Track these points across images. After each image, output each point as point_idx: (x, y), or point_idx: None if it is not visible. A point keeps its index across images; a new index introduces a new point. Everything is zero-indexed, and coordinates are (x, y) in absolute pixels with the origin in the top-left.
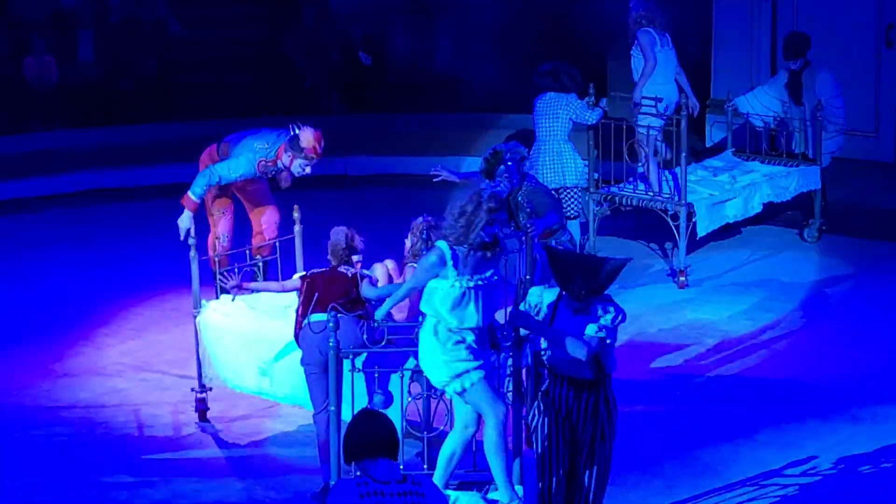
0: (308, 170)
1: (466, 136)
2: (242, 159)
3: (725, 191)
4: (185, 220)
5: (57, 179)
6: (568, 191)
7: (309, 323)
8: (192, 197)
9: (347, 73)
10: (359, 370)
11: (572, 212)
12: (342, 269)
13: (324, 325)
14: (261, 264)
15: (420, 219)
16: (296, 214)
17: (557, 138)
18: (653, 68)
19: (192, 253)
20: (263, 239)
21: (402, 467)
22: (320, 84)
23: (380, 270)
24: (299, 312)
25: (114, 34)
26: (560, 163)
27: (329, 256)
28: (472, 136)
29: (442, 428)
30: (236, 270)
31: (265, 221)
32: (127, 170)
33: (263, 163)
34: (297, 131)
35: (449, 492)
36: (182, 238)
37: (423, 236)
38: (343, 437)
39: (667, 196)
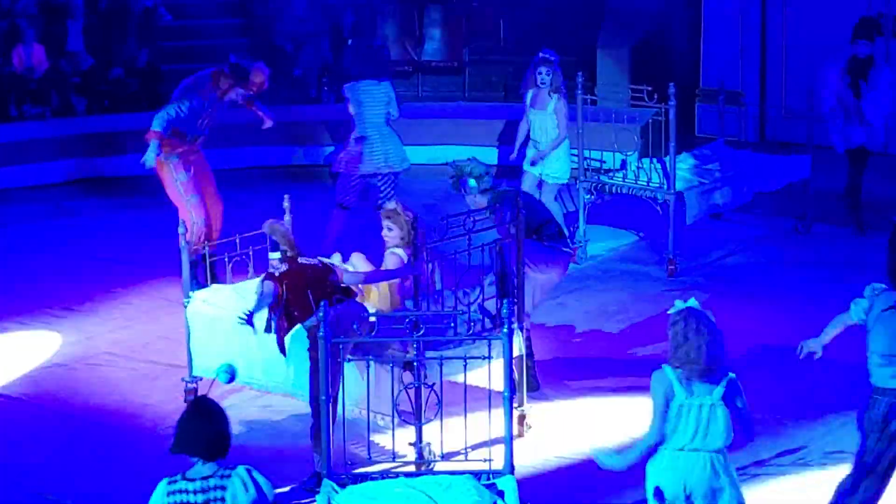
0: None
1: (457, 125)
2: (185, 97)
3: (715, 179)
4: (150, 154)
5: (46, 168)
6: (386, 177)
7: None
8: (156, 128)
9: (337, 62)
10: (350, 360)
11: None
12: (305, 260)
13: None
14: (251, 253)
15: (392, 203)
16: (286, 204)
17: (379, 124)
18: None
19: (182, 243)
20: (218, 230)
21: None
22: (310, 72)
23: (359, 258)
24: (292, 315)
25: (103, 23)
26: (384, 149)
27: (285, 247)
28: (466, 128)
29: (433, 418)
30: (227, 260)
31: (218, 214)
32: (116, 158)
33: (201, 94)
34: (241, 64)
35: (443, 477)
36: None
37: (412, 224)
38: (175, 425)
39: (656, 184)
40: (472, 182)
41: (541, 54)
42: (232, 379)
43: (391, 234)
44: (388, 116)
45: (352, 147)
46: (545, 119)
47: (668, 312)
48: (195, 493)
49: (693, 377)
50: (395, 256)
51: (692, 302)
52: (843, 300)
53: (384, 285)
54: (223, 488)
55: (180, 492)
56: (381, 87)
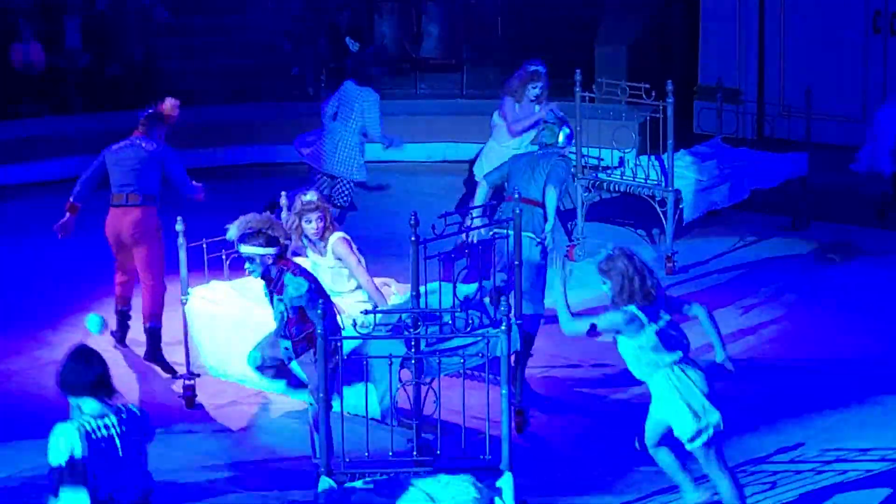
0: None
1: (453, 122)
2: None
3: (713, 177)
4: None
5: (44, 165)
6: (342, 181)
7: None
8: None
9: (334, 60)
10: (347, 357)
11: (341, 201)
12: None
13: None
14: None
15: (311, 194)
16: (283, 201)
17: (351, 130)
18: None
19: (181, 240)
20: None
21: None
22: (307, 70)
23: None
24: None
25: (101, 20)
26: (350, 155)
27: (286, 241)
28: (461, 123)
29: (430, 415)
30: (224, 257)
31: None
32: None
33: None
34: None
35: (441, 475)
36: None
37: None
38: (57, 373)
39: (654, 182)
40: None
41: (532, 67)
42: (104, 329)
43: (313, 226)
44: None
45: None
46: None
47: (599, 260)
48: (106, 427)
49: (646, 304)
50: (344, 241)
51: (609, 246)
52: (842, 297)
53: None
54: (122, 419)
55: (96, 430)
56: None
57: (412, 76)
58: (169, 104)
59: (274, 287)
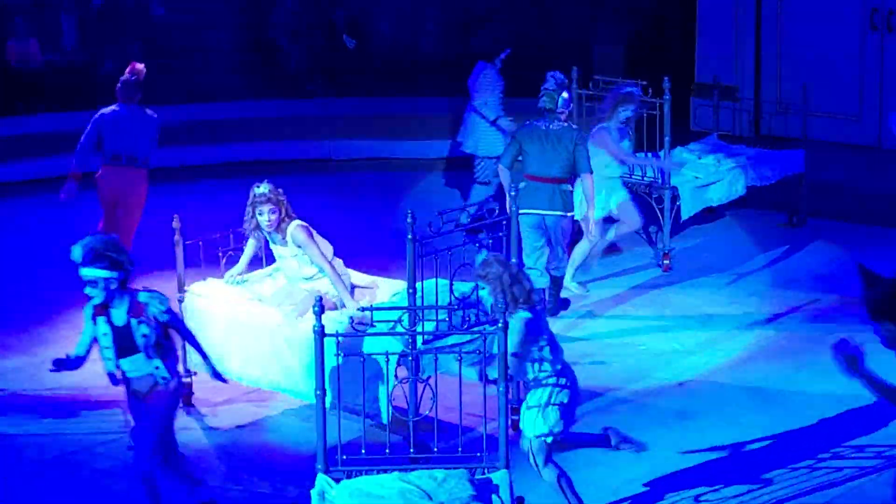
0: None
1: (452, 119)
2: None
3: (710, 174)
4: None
5: (40, 163)
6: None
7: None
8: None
9: (331, 57)
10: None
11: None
12: None
13: None
14: (244, 247)
15: (265, 186)
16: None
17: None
18: None
19: (177, 237)
20: None
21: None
22: (304, 67)
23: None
24: None
25: (97, 17)
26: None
27: (129, 266)
28: (457, 120)
29: (427, 413)
30: (220, 254)
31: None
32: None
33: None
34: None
35: (438, 472)
36: None
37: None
38: None
39: (651, 179)
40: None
41: (626, 89)
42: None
43: (274, 216)
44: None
45: None
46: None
47: (476, 269)
48: None
49: (531, 307)
50: (302, 229)
51: (484, 253)
52: (843, 290)
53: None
54: None
55: None
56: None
57: (409, 74)
58: (139, 67)
59: (129, 311)
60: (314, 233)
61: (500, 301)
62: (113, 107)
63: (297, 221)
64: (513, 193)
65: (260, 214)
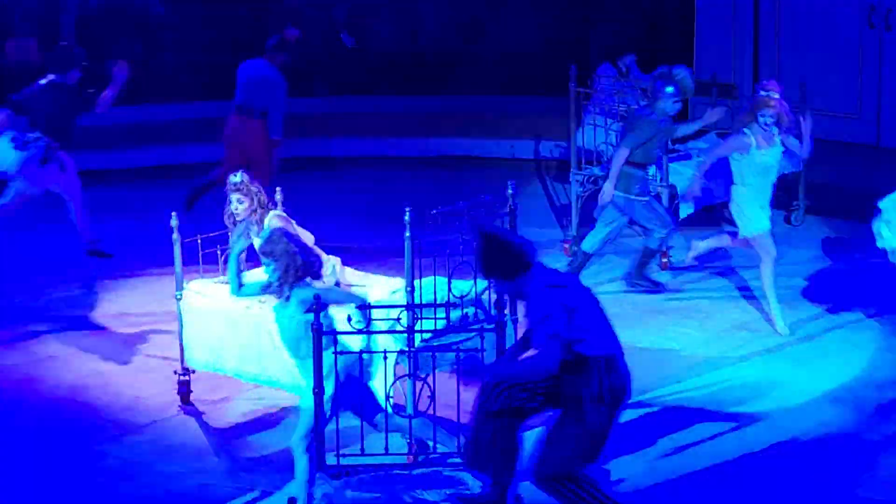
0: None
1: (451, 117)
2: None
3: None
4: None
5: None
6: None
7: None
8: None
9: (330, 55)
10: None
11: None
12: None
13: None
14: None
15: (239, 176)
16: (278, 197)
17: None
18: None
19: (175, 235)
20: None
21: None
22: (302, 65)
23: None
24: None
25: (96, 16)
26: None
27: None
28: (457, 119)
29: (425, 410)
30: (219, 253)
31: None
32: (109, 152)
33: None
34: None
35: (437, 471)
36: None
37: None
38: None
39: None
40: (669, 88)
41: (764, 92)
42: None
43: (243, 206)
44: None
45: None
46: None
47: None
48: None
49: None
50: (281, 219)
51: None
52: (842, 289)
53: None
54: None
55: None
56: None
57: (408, 72)
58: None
59: None
60: (293, 223)
61: (282, 277)
62: None
63: (275, 211)
64: None
65: (231, 203)
